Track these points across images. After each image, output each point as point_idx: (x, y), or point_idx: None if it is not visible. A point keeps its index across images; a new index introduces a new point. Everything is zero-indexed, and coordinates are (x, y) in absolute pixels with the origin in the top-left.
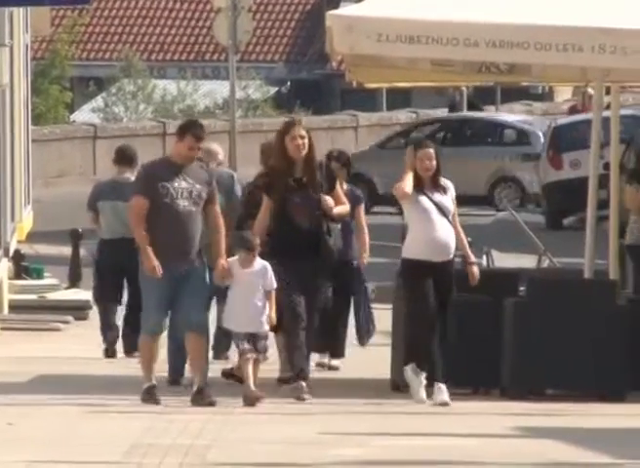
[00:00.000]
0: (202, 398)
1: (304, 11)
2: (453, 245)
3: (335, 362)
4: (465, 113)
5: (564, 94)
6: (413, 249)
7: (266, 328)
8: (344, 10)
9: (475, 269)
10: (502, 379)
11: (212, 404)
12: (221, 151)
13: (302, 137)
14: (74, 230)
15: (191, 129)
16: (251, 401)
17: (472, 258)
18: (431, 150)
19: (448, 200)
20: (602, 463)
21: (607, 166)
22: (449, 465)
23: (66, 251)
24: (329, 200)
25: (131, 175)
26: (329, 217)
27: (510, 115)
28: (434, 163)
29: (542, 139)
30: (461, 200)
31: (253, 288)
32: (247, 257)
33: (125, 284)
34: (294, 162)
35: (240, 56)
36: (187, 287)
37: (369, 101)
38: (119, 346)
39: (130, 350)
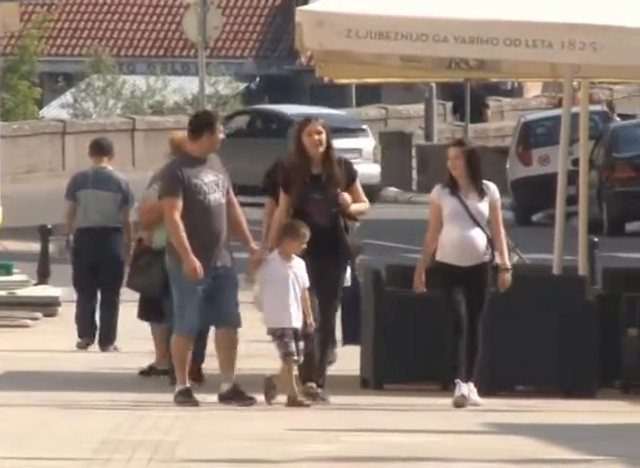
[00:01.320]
0: (242, 396)
1: (274, 6)
2: (481, 249)
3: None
4: (270, 105)
5: (534, 90)
6: (442, 251)
7: (300, 325)
8: (314, 5)
9: (507, 276)
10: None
11: (251, 402)
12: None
13: (319, 133)
14: (43, 226)
15: (217, 118)
16: (294, 404)
17: (508, 265)
18: (460, 149)
19: (483, 204)
20: (572, 460)
21: (576, 162)
22: (419, 462)
23: (35, 247)
24: (347, 197)
25: (108, 166)
26: (347, 215)
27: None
28: (463, 161)
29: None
30: (243, 190)
31: (294, 283)
32: (291, 246)
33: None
34: (311, 158)
35: (209, 51)
36: (222, 282)
37: (338, 97)
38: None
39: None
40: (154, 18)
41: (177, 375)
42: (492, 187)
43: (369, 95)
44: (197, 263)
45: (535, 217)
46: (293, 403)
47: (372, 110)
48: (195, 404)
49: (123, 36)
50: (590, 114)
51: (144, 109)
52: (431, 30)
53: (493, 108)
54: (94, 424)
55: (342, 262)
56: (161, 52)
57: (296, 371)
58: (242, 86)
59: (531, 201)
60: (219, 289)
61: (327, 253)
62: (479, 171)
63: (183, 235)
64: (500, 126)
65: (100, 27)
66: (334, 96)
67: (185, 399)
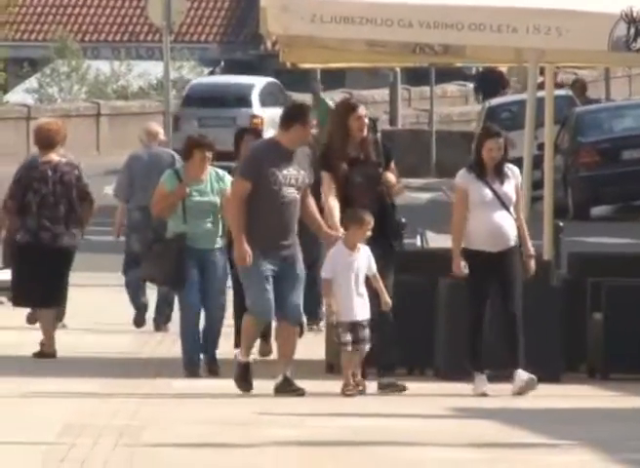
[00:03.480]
0: (290, 387)
1: None
2: (512, 235)
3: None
4: None
5: None
6: (471, 239)
7: (369, 315)
8: None
9: (532, 263)
10: (437, 360)
11: (301, 393)
12: (162, 131)
13: (366, 116)
14: None
15: (308, 111)
16: (346, 395)
17: (531, 251)
18: (501, 140)
19: (510, 188)
20: (537, 444)
21: (541, 146)
22: (385, 446)
23: None
24: (390, 176)
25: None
26: (390, 194)
27: None
28: (502, 153)
29: None
30: None
31: (361, 273)
32: (356, 234)
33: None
34: (353, 141)
35: (174, 36)
36: (288, 275)
37: (303, 82)
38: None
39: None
40: (119, 2)
41: (241, 348)
42: (515, 170)
43: (333, 79)
44: (248, 252)
45: None
46: (343, 391)
47: (336, 95)
48: (248, 388)
49: (87, 21)
50: (555, 99)
51: (109, 94)
52: (396, 15)
53: (455, 92)
54: (58, 409)
55: (392, 241)
56: (126, 36)
57: (351, 359)
58: (207, 70)
59: None
60: (283, 283)
61: (375, 234)
62: (506, 156)
63: (239, 220)
64: (464, 110)
65: (64, 12)
66: (298, 80)
67: (242, 375)
